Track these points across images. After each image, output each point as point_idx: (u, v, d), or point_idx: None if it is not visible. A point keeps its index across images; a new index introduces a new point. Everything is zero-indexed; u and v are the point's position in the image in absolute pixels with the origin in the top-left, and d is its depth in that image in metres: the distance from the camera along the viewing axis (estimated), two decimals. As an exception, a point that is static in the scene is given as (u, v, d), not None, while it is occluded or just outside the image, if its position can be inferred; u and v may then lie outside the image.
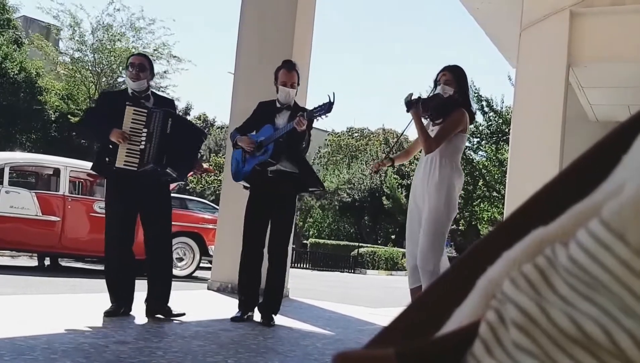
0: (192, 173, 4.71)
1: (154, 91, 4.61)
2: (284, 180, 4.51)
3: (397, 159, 4.52)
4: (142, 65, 4.40)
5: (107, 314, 4.19)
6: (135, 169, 4.21)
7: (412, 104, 3.93)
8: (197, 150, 4.69)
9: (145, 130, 4.24)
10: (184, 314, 4.39)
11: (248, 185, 4.68)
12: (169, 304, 4.45)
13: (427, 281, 3.79)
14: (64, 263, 10.58)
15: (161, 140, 4.22)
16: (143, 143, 4.22)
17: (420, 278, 3.90)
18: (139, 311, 4.38)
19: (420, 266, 3.86)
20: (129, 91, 4.44)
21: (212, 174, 25.66)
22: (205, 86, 79.13)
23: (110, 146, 4.24)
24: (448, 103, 4.00)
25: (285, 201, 4.58)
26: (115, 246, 4.33)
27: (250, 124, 4.70)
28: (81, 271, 9.65)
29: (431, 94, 4.06)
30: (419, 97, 4.03)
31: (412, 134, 4.36)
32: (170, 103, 4.66)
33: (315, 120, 4.40)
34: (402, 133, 4.46)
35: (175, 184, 4.58)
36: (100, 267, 10.14)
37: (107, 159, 4.28)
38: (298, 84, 4.65)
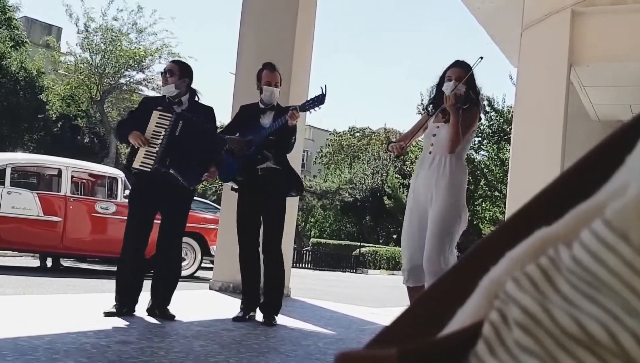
0: (203, 179, 4.68)
1: (193, 98, 4.55)
2: (274, 178, 4.52)
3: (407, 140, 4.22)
4: (171, 70, 4.47)
5: (108, 314, 4.19)
6: (149, 170, 4.26)
7: (464, 102, 3.80)
8: (211, 158, 4.50)
9: (164, 133, 4.29)
10: (174, 317, 4.39)
11: (237, 186, 4.67)
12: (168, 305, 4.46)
13: None
14: (66, 263, 10.59)
15: (168, 142, 4.24)
16: (159, 145, 4.27)
17: (424, 278, 3.86)
18: (138, 311, 4.39)
19: (426, 267, 3.78)
20: (166, 96, 4.52)
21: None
22: (206, 86, 79.19)
23: (136, 148, 4.34)
24: (467, 99, 3.90)
25: (275, 198, 4.58)
26: (132, 248, 4.36)
27: (234, 127, 4.71)
28: (83, 272, 9.65)
29: (452, 91, 3.86)
30: (466, 95, 3.87)
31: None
32: (207, 110, 4.59)
33: (308, 112, 4.43)
34: (433, 114, 4.12)
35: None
36: (102, 267, 10.15)
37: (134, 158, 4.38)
38: (280, 85, 4.67)
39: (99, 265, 10.61)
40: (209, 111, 4.59)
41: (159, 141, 4.26)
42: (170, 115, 4.31)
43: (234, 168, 4.58)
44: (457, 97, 3.80)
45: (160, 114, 4.32)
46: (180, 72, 4.49)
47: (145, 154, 4.27)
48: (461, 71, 3.93)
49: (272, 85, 4.60)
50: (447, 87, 3.91)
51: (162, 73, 4.54)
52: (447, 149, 3.80)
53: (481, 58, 3.93)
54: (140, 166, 4.27)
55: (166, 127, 4.28)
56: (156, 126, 4.29)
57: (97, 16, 22.48)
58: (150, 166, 4.25)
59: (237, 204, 4.65)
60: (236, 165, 4.57)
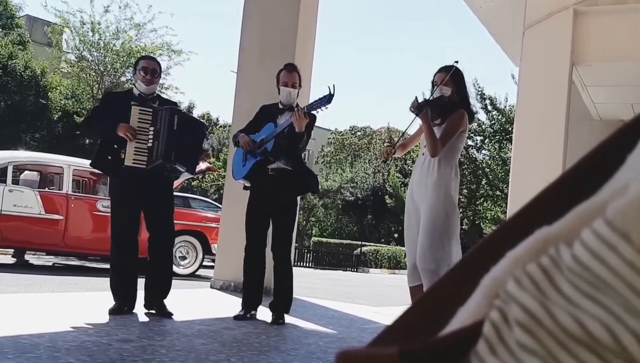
0: (200, 165, 4.76)
1: (158, 93, 4.69)
2: (285, 178, 4.52)
3: (397, 151, 4.40)
4: (155, 70, 4.52)
5: (112, 312, 4.21)
6: (145, 166, 4.28)
7: (420, 109, 3.92)
8: (201, 143, 4.74)
9: (152, 128, 4.31)
10: (172, 315, 4.37)
11: (248, 184, 4.69)
12: (165, 301, 4.46)
13: (428, 281, 3.80)
14: (64, 261, 10.60)
15: (169, 137, 4.29)
16: (150, 140, 4.30)
17: (421, 277, 3.90)
18: (139, 309, 4.40)
19: (419, 266, 3.86)
20: (136, 92, 4.51)
21: (216, 172, 25.70)
22: (208, 85, 79.16)
23: (115, 146, 4.30)
24: (448, 105, 4.01)
25: (286, 199, 4.59)
26: (121, 245, 4.36)
27: (252, 125, 4.72)
28: (84, 270, 9.66)
29: (434, 96, 4.05)
30: (425, 101, 4.02)
31: (413, 131, 4.53)
32: (173, 105, 4.73)
33: (315, 112, 4.42)
34: (405, 131, 4.41)
35: (185, 178, 4.67)
36: (102, 265, 10.15)
37: (109, 157, 4.33)
38: (300, 85, 4.67)
39: (99, 263, 10.60)
40: (175, 104, 4.79)
41: (149, 137, 4.30)
42: (149, 110, 4.36)
43: (247, 168, 4.60)
44: (417, 107, 3.91)
45: (140, 110, 4.35)
46: (160, 70, 4.63)
47: (135, 151, 4.28)
48: (443, 74, 4.05)
49: (289, 86, 4.60)
50: (435, 93, 4.03)
51: (140, 71, 4.47)
52: (430, 154, 3.92)
53: (456, 62, 4.04)
54: (133, 163, 4.28)
55: (150, 122, 4.33)
56: (139, 122, 4.31)
57: (85, 15, 22.39)
58: (145, 162, 4.28)
59: (248, 203, 4.66)
60: (248, 164, 4.59)
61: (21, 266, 8.96)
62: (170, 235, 4.57)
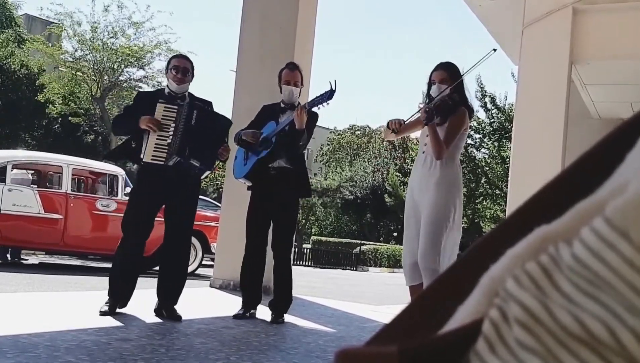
0: (218, 161, 4.67)
1: (191, 93, 4.58)
2: (286, 177, 4.52)
3: (402, 130, 4.24)
4: (186, 69, 4.47)
5: (104, 313, 4.14)
6: (163, 163, 4.26)
7: (431, 118, 3.90)
8: (222, 138, 4.56)
9: (173, 125, 4.29)
10: (181, 318, 4.35)
11: (250, 183, 4.69)
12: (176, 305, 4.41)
13: (429, 280, 3.80)
14: (63, 261, 10.59)
15: (184, 132, 4.26)
16: (171, 137, 4.27)
17: (421, 276, 3.90)
18: (139, 308, 4.39)
19: (420, 264, 3.86)
20: (166, 91, 4.50)
21: (216, 171, 25.70)
22: (208, 84, 79.09)
23: (133, 144, 4.32)
24: (450, 104, 3.98)
25: (287, 198, 4.59)
26: (126, 241, 4.33)
27: (254, 125, 4.71)
28: (83, 269, 9.66)
29: (437, 98, 4.00)
30: (433, 107, 3.98)
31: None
32: (207, 104, 4.61)
33: (317, 108, 4.41)
34: (408, 120, 4.31)
35: (205, 174, 4.57)
36: (101, 265, 10.16)
37: (140, 157, 4.34)
38: (302, 84, 4.67)
39: (99, 262, 10.61)
40: (209, 103, 4.63)
41: (169, 133, 4.28)
42: (175, 107, 4.33)
43: (248, 167, 4.59)
44: (428, 117, 3.89)
45: (165, 107, 4.33)
46: (192, 69, 4.55)
47: (155, 147, 4.27)
48: (442, 73, 4.05)
49: (292, 84, 4.60)
50: (433, 91, 4.03)
51: (171, 70, 4.45)
52: (435, 156, 3.91)
53: (494, 50, 3.99)
54: (152, 159, 4.26)
55: (173, 119, 4.31)
56: (163, 119, 4.30)
57: (84, 17, 22.35)
58: (164, 159, 4.26)
59: (249, 202, 4.65)
60: (250, 163, 4.58)
61: (21, 265, 8.96)
62: (184, 235, 4.47)
